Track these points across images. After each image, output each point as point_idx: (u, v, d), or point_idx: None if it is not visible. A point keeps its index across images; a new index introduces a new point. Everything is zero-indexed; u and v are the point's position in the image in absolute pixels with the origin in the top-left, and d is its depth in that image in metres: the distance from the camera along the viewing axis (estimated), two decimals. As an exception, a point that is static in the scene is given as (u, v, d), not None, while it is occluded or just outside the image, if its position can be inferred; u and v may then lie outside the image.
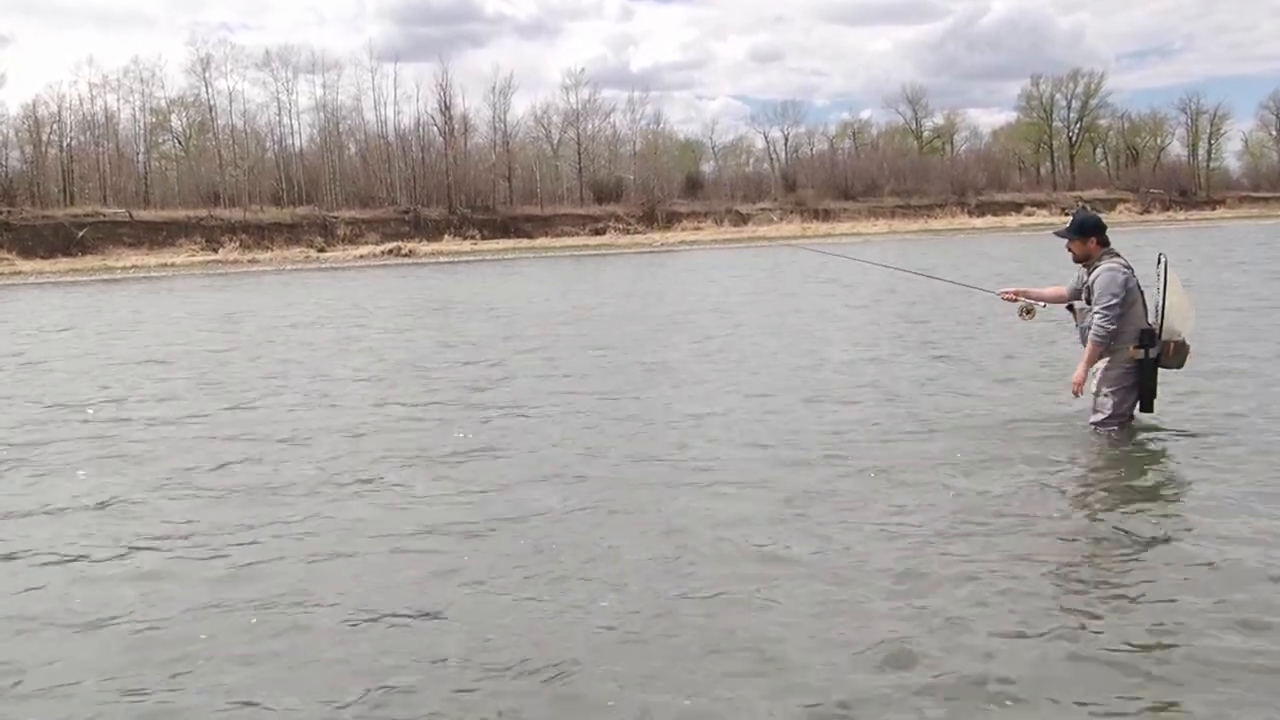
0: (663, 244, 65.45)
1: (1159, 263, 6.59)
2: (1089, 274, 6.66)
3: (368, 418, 8.82)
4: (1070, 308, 6.88)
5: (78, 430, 8.73)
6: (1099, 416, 6.67)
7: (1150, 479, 5.84)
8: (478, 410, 8.94)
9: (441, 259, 55.73)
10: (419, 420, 8.63)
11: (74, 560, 5.17)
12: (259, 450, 7.58)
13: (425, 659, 3.86)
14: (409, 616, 4.26)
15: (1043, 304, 7.14)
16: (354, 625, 4.21)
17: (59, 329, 20.61)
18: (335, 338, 16.33)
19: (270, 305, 25.39)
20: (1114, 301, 6.44)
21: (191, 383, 11.46)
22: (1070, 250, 6.78)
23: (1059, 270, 7.31)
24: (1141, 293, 6.60)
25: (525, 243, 64.90)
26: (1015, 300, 7.15)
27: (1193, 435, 6.64)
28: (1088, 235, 6.70)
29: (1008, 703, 3.34)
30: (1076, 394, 6.70)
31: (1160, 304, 6.48)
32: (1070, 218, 7.03)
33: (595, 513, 5.62)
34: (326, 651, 3.96)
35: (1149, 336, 6.47)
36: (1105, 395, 6.62)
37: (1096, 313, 6.49)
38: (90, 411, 9.70)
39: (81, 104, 68.18)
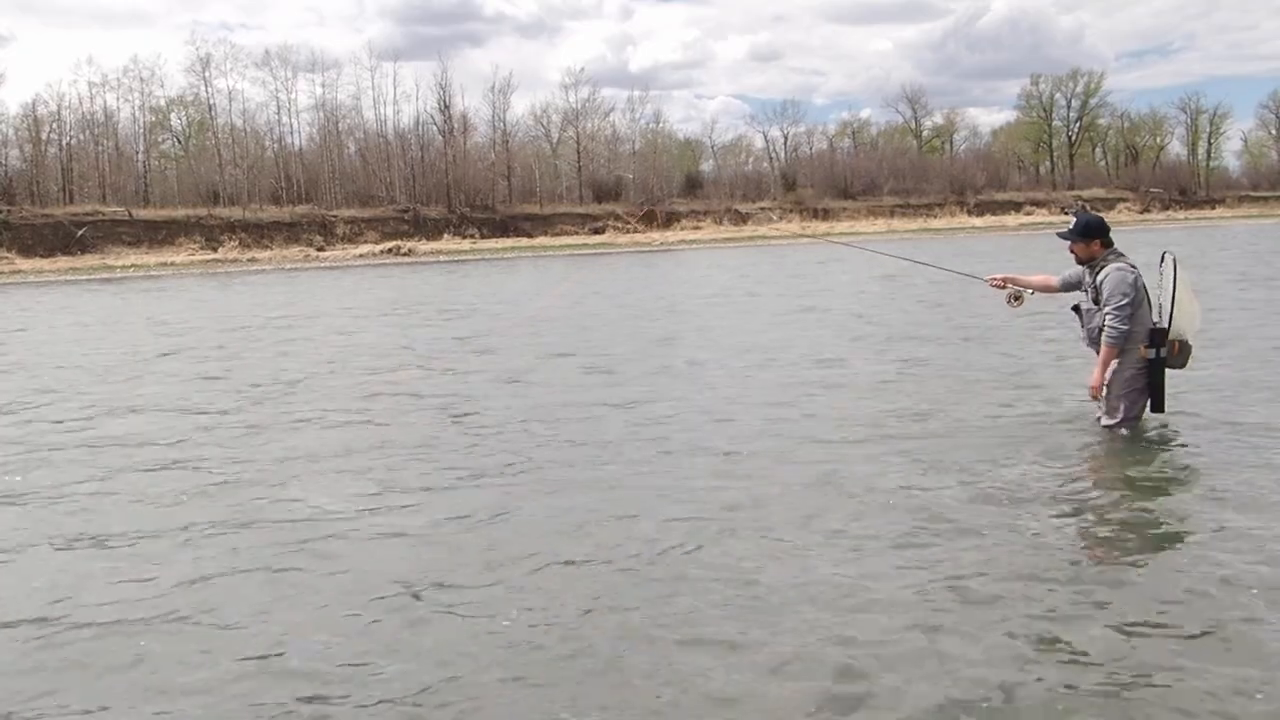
0: (661, 243, 65.40)
1: (1162, 261, 6.57)
2: (1093, 274, 6.61)
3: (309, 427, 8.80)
4: (1076, 309, 6.84)
5: None
6: (1112, 420, 6.63)
7: (1164, 481, 5.79)
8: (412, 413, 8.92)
9: (441, 258, 55.70)
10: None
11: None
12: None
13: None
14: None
15: (1030, 291, 7.18)
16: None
17: (16, 329, 20.66)
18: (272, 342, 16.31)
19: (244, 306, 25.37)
20: (1125, 301, 6.41)
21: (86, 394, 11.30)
22: (1073, 252, 6.74)
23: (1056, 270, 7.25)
24: (1146, 292, 6.58)
25: (525, 242, 64.84)
26: (1003, 287, 7.18)
27: (1204, 435, 6.61)
28: (1091, 237, 6.65)
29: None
30: (1095, 397, 6.70)
31: (1169, 303, 6.43)
32: (1069, 217, 6.99)
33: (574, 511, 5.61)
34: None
35: (1159, 336, 6.44)
36: (1118, 397, 6.59)
37: (1108, 313, 6.46)
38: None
39: (81, 103, 68.15)
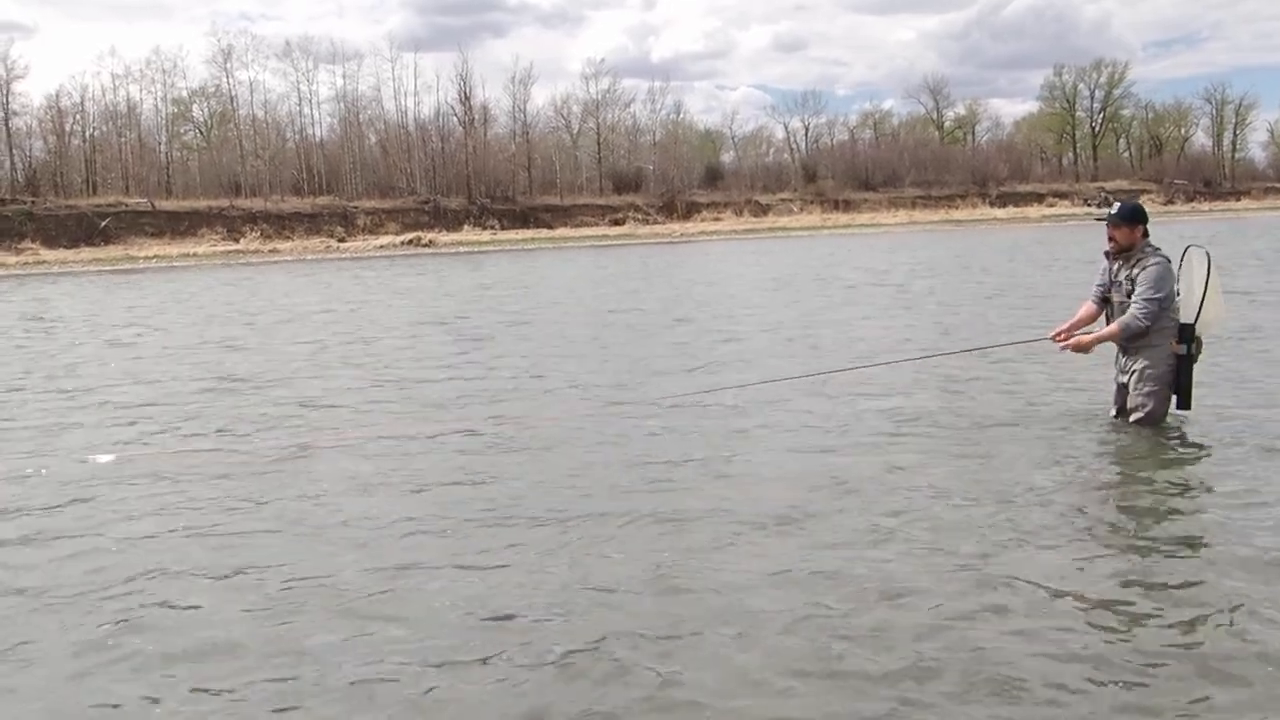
0: (682, 234, 65.33)
1: (1184, 255, 6.45)
2: (1129, 266, 6.45)
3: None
4: (1105, 300, 6.67)
5: None
6: (1139, 415, 6.52)
7: (1189, 478, 5.72)
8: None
9: (461, 249, 55.77)
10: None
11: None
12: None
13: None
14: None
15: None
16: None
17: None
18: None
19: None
20: (1159, 297, 6.29)
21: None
22: (1113, 240, 6.49)
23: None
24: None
25: (545, 233, 64.93)
26: (1069, 338, 6.77)
27: (1229, 431, 6.52)
28: (1136, 223, 6.48)
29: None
30: (1056, 339, 6.74)
31: (1199, 298, 6.32)
32: (1099, 209, 6.87)
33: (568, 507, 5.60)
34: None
35: (1189, 331, 6.34)
36: (1148, 394, 6.47)
37: (1138, 303, 6.32)
38: None
39: (104, 94, 68.70)
